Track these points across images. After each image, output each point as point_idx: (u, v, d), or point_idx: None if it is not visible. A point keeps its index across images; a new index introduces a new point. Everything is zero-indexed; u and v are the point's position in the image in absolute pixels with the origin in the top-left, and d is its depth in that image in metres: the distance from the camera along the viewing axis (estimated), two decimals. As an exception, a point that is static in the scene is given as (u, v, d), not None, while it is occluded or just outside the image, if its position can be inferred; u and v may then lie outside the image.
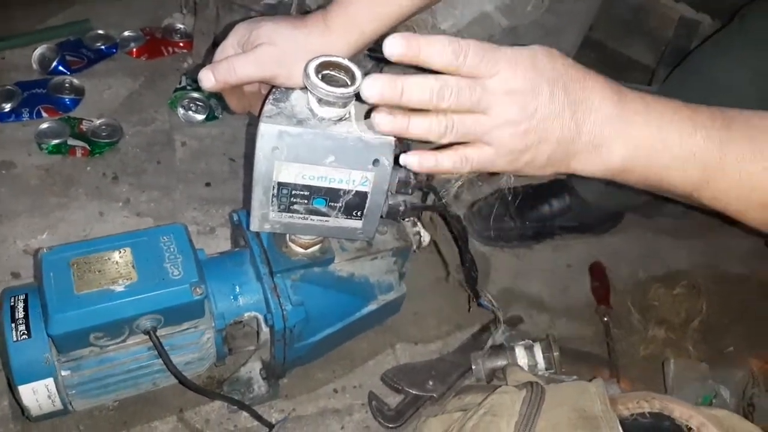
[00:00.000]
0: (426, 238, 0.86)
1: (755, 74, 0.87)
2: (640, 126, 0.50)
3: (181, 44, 1.29)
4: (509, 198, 1.06)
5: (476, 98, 0.48)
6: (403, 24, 0.86)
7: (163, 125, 1.16)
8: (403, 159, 0.51)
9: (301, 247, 0.75)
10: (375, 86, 0.46)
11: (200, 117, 1.17)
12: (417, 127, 0.49)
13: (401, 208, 0.69)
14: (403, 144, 0.63)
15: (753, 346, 1.00)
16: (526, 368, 0.82)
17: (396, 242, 0.82)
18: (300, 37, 0.61)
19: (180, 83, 1.22)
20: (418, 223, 0.86)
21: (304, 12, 1.02)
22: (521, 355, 0.84)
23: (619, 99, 0.50)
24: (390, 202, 0.68)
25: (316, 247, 0.75)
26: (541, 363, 0.83)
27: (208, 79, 0.62)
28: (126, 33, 1.29)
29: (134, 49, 1.27)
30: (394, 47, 0.45)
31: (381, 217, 0.67)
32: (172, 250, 0.71)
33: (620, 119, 0.49)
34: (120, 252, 0.70)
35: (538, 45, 0.50)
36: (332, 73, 0.59)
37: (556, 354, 0.82)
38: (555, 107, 0.49)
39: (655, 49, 1.37)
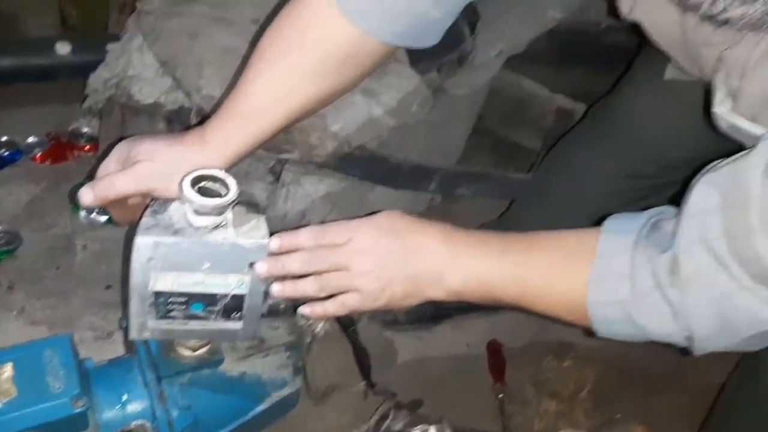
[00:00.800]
0: (321, 329, 0.89)
1: (608, 161, 0.98)
2: (465, 259, 0.63)
3: (87, 148, 1.32)
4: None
5: (336, 261, 0.64)
6: (296, 127, 0.93)
7: (64, 230, 1.16)
8: (300, 310, 0.68)
9: (190, 350, 0.76)
10: (264, 267, 0.63)
11: (103, 218, 1.18)
12: (301, 288, 0.65)
13: (282, 306, 0.72)
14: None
15: (641, 411, 1.07)
16: (422, 453, 0.84)
17: (289, 337, 0.84)
18: (177, 153, 0.66)
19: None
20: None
21: (204, 117, 1.08)
22: (417, 440, 0.86)
23: (448, 240, 0.64)
24: (270, 302, 0.71)
25: (205, 349, 0.77)
26: (435, 447, 0.85)
27: (87, 195, 0.66)
28: (31, 139, 1.30)
29: (38, 155, 1.29)
30: (275, 246, 0.63)
31: (262, 316, 0.70)
32: (54, 362, 0.71)
33: (450, 256, 0.63)
34: (1, 368, 0.69)
35: (385, 211, 0.66)
36: (208, 184, 0.64)
37: (449, 436, 0.85)
38: (396, 255, 0.64)
39: (539, 135, 1.51)
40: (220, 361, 0.78)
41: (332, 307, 0.66)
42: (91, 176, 1.27)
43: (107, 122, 1.28)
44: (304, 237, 0.65)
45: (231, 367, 0.79)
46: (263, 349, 0.82)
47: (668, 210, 0.57)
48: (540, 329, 1.19)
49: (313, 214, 1.16)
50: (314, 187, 1.16)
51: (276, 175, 1.22)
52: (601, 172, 0.98)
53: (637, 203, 0.97)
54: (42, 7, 1.42)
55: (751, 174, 0.47)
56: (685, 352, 0.57)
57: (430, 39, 0.66)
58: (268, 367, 0.83)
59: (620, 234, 0.56)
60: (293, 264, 0.64)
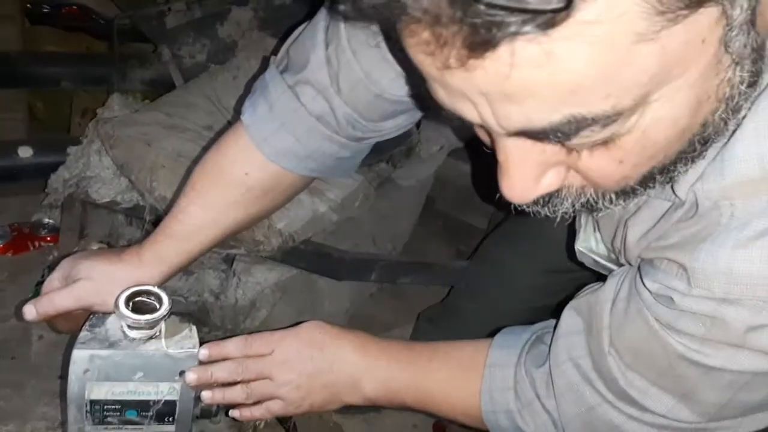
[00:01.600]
0: (261, 422, 0.93)
1: (529, 256, 1.04)
2: (377, 369, 0.69)
3: (48, 238, 1.36)
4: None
5: (260, 370, 0.69)
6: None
7: (21, 320, 1.20)
8: (231, 413, 0.73)
9: (129, 449, 0.80)
10: (193, 376, 0.67)
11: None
12: (230, 396, 0.71)
13: (214, 409, 0.77)
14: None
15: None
16: None
17: (229, 430, 0.89)
18: (114, 271, 0.72)
19: (42, 276, 1.28)
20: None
21: (157, 216, 1.14)
22: None
23: (363, 351, 0.70)
24: (202, 405, 0.76)
25: (144, 447, 0.81)
26: None
27: (30, 312, 0.71)
28: (-7, 230, 1.36)
29: (0, 246, 1.33)
30: (203, 356, 0.67)
31: (195, 418, 0.75)
32: (-3, 466, 0.75)
33: (365, 366, 0.69)
34: (-57, 473, 0.73)
35: (309, 322, 0.71)
36: (143, 299, 0.70)
37: None
38: (316, 365, 0.69)
39: (486, 217, 1.59)
40: (159, 459, 0.81)
41: (258, 413, 0.71)
42: (51, 268, 1.33)
43: (68, 214, 1.34)
44: (231, 347, 0.70)
45: (170, 464, 0.82)
46: (203, 445, 0.86)
47: (551, 324, 0.64)
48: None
49: (263, 302, 1.21)
50: (264, 277, 1.21)
51: (229, 263, 1.28)
52: (523, 267, 1.03)
53: (561, 295, 1.04)
54: (12, 102, 1.50)
55: (601, 307, 0.55)
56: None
57: (345, 171, 0.74)
58: (208, 462, 0.86)
59: (508, 348, 0.63)
60: (221, 373, 0.69)
